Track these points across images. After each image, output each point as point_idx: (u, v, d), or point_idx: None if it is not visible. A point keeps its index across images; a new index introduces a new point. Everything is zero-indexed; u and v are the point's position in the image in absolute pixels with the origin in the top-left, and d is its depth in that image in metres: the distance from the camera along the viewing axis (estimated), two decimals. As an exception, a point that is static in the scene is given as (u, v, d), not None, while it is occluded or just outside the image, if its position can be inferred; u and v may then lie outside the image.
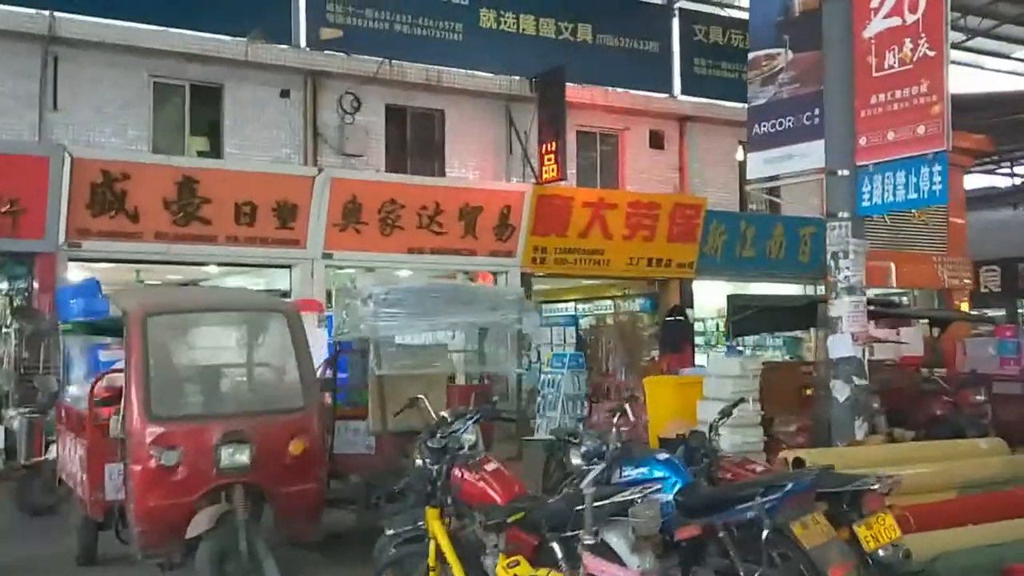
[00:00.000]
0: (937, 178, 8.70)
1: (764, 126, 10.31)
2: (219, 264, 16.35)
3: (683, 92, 21.06)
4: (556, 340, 19.25)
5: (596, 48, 19.95)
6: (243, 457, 6.29)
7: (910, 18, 8.85)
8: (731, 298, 13.11)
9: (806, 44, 9.98)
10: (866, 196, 9.21)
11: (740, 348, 21.35)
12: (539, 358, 18.36)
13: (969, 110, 24.33)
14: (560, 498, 5.46)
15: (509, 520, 5.03)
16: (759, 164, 10.43)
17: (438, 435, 5.97)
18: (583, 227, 18.43)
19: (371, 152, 17.59)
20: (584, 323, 21.16)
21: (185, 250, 15.12)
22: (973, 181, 29.62)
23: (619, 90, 20.10)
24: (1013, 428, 10.94)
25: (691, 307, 19.73)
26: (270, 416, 6.59)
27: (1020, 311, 27.18)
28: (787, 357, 20.22)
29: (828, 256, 9.37)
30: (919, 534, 7.20)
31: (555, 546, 5.36)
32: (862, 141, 9.27)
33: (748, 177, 10.72)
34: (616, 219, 18.65)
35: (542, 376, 17.44)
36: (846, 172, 9.27)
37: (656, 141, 20.68)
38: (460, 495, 5.99)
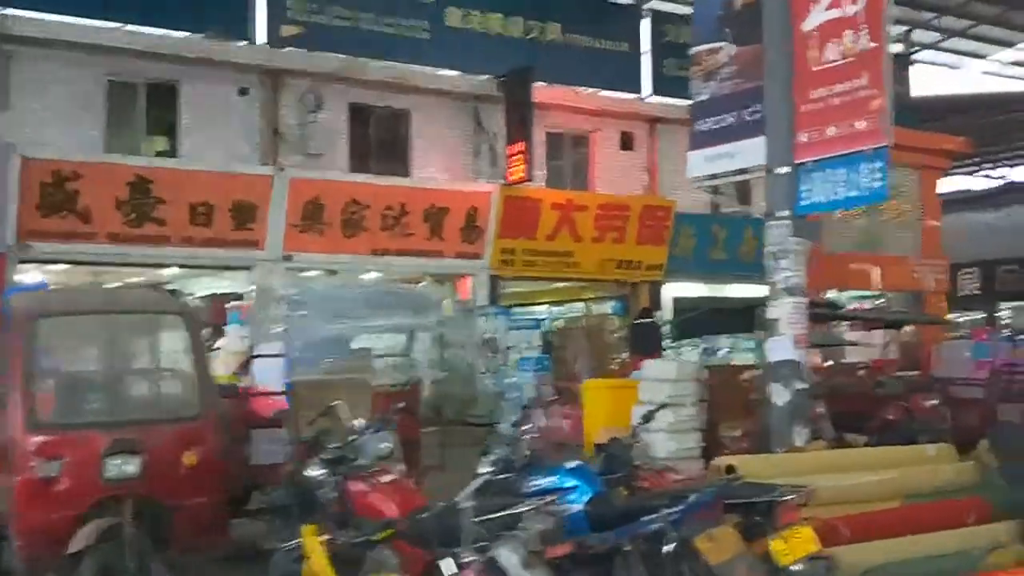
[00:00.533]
0: (878, 175, 8.41)
1: (706, 123, 10.00)
2: (176, 266, 16.09)
3: (654, 93, 20.81)
4: (524, 343, 18.93)
5: (565, 48, 19.73)
6: (132, 468, 5.99)
7: (850, 9, 8.57)
8: (677, 300, 12.84)
9: (748, 37, 9.67)
10: (806, 194, 8.93)
11: (718, 350, 21.19)
12: (506, 362, 18.08)
13: (949, 111, 24.20)
14: (445, 511, 5.15)
15: (376, 537, 4.72)
16: (700, 162, 10.12)
17: (331, 445, 5.68)
18: (552, 229, 18.18)
19: (334, 152, 17.32)
20: (553, 326, 20.88)
21: (140, 252, 14.83)
22: (955, 183, 29.42)
23: (589, 91, 19.87)
24: (974, 433, 10.66)
25: (660, 309, 19.41)
26: (163, 424, 6.30)
27: (998, 314, 26.88)
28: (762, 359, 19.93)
29: (767, 256, 9.09)
30: (856, 545, 6.93)
31: (445, 563, 5.06)
32: (802, 137, 8.98)
33: (689, 176, 10.44)
34: (585, 221, 18.42)
35: (507, 380, 17.14)
36: (786, 169, 9.00)
37: (626, 143, 20.42)
38: (354, 508, 5.69)
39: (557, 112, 19.35)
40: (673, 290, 19.93)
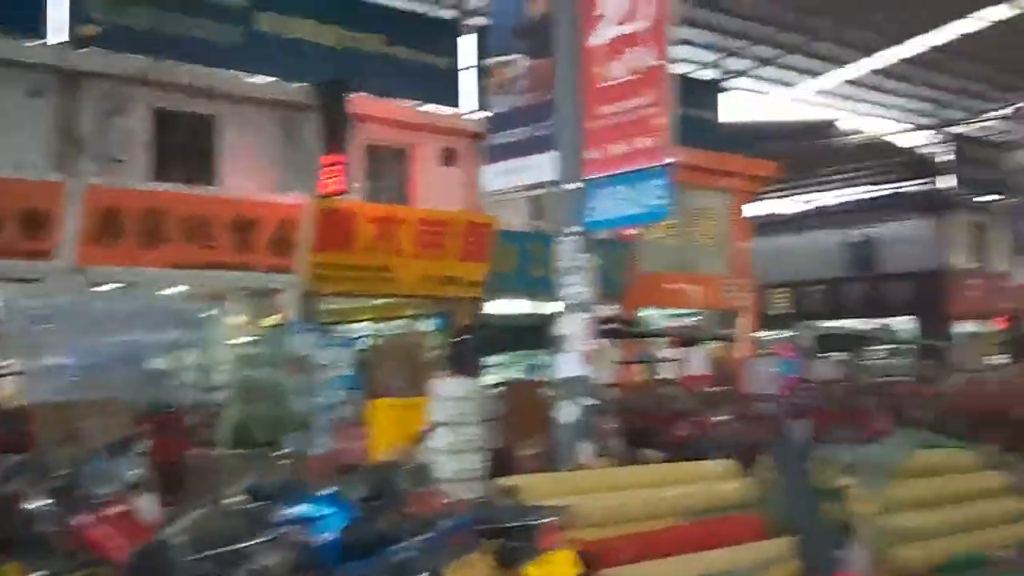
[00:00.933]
0: (661, 192, 8.48)
1: (501, 136, 9.94)
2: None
3: (481, 109, 20.74)
4: (339, 362, 18.40)
5: (385, 60, 19.42)
6: None
7: (634, 27, 8.62)
8: (478, 317, 12.73)
9: (542, 50, 9.61)
10: (593, 211, 8.93)
11: (539, 367, 21.19)
12: (318, 381, 17.51)
13: (759, 138, 25.23)
14: (161, 546, 4.69)
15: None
16: (496, 176, 10.04)
17: (59, 472, 5.15)
18: (369, 243, 17.76)
19: (135, 159, 16.44)
20: (368, 344, 20.42)
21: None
22: (768, 207, 30.72)
23: (410, 105, 19.62)
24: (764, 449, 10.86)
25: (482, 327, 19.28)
26: None
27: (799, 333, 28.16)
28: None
29: (557, 272, 9.03)
30: (628, 566, 6.85)
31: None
32: (591, 154, 8.99)
33: (484, 190, 10.32)
34: (405, 236, 18.10)
35: (317, 400, 16.58)
36: (575, 185, 8.97)
37: (448, 158, 20.28)
38: (77, 543, 5.16)
39: (377, 125, 19.01)
40: (497, 307, 19.88)
